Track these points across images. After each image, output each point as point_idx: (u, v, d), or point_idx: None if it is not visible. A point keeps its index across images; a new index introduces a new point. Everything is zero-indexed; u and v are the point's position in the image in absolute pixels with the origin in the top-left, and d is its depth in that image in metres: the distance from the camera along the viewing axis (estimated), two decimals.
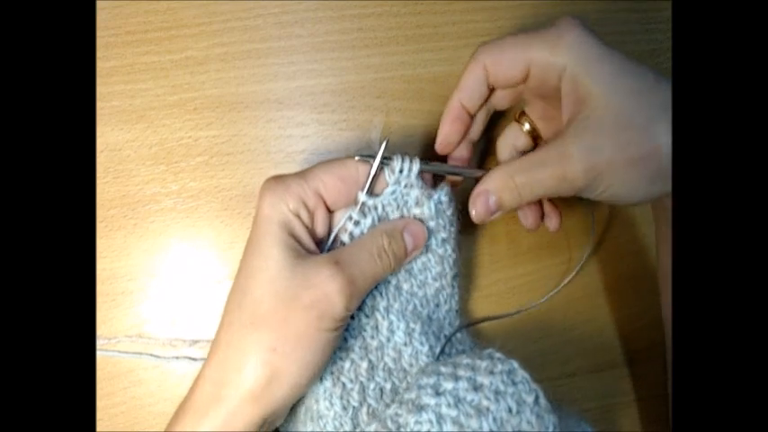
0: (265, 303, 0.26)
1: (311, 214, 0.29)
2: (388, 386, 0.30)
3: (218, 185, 0.36)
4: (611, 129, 0.27)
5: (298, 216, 0.28)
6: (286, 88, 0.37)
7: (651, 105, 0.27)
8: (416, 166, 0.30)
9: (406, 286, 0.32)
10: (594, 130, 0.27)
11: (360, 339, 0.31)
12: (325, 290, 0.26)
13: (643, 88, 0.27)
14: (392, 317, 0.31)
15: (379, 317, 0.31)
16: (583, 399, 0.40)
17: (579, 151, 0.27)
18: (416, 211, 0.31)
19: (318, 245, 0.30)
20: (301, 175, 0.29)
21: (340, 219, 0.30)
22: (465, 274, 0.38)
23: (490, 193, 0.30)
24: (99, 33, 0.36)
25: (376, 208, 0.30)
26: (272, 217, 0.27)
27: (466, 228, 0.34)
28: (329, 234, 0.30)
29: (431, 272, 0.32)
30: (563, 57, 0.28)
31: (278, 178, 0.28)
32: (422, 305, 0.32)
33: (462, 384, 0.26)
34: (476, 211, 0.30)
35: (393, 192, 0.30)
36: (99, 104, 0.36)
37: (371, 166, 0.29)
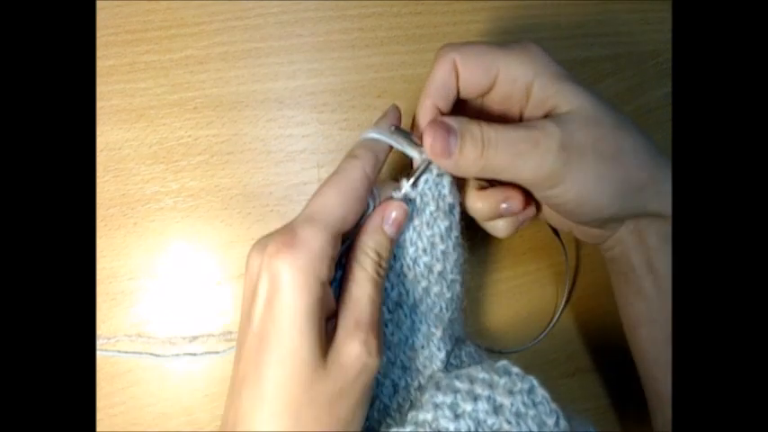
0: (306, 412, 0.23)
1: (334, 261, 0.25)
2: (402, 383, 0.30)
3: (219, 185, 0.36)
4: (584, 123, 0.27)
5: (327, 282, 0.24)
6: (286, 87, 0.37)
7: (616, 112, 0.28)
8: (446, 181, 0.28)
9: (435, 289, 0.30)
10: (569, 121, 0.27)
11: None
12: (363, 362, 0.24)
13: (606, 104, 0.28)
14: (415, 317, 0.30)
15: (402, 314, 0.30)
16: (582, 398, 0.40)
17: (556, 127, 0.26)
18: (450, 200, 0.29)
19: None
20: (317, 222, 0.24)
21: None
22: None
23: (454, 131, 0.26)
24: (99, 32, 0.36)
25: (414, 199, 0.28)
26: (300, 310, 0.23)
27: (465, 228, 0.34)
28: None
29: (458, 268, 0.31)
30: (532, 67, 0.28)
31: (291, 243, 0.23)
32: (447, 308, 0.31)
33: (482, 406, 0.25)
34: (432, 140, 0.26)
35: (427, 180, 0.28)
36: (99, 103, 0.36)
37: (421, 160, 0.28)
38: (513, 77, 0.28)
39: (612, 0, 0.41)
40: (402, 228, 0.28)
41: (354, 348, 0.24)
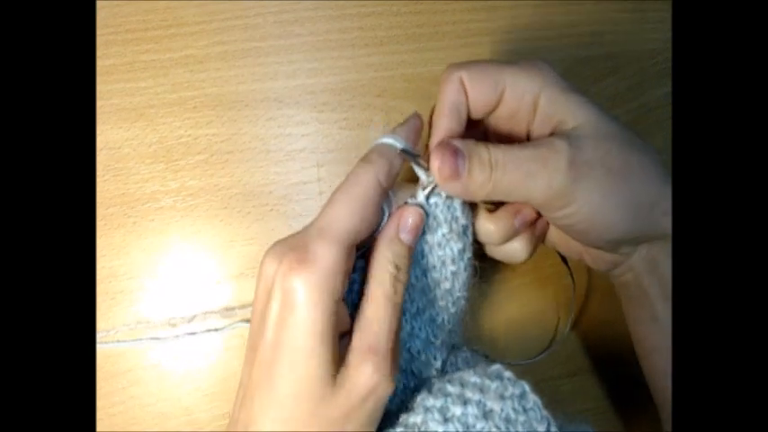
0: (314, 427, 0.24)
1: (347, 276, 0.25)
2: (399, 386, 0.29)
3: (218, 184, 0.36)
4: (592, 137, 0.27)
5: (340, 298, 0.24)
6: (286, 87, 0.37)
7: (623, 127, 0.28)
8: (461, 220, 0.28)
9: (441, 303, 0.30)
10: (577, 137, 0.27)
11: None
12: (373, 386, 0.24)
13: (613, 119, 0.28)
14: (415, 323, 0.30)
15: (403, 320, 0.29)
16: (583, 399, 0.40)
17: (564, 144, 0.26)
18: (464, 221, 0.29)
19: None
20: (329, 234, 0.24)
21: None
22: None
23: (462, 153, 0.26)
24: (99, 31, 0.36)
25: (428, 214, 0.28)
26: (314, 330, 0.23)
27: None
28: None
29: (466, 286, 0.30)
30: (539, 81, 0.28)
31: (304, 258, 0.23)
32: (449, 321, 0.30)
33: (471, 410, 0.25)
34: (440, 163, 0.26)
35: (437, 204, 0.28)
36: (98, 103, 0.36)
37: (428, 182, 0.27)
38: (521, 92, 0.28)
39: (612, 0, 0.41)
40: (419, 234, 0.27)
41: (365, 373, 0.24)
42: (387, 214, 0.27)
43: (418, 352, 0.30)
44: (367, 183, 0.25)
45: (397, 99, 0.38)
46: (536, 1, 0.40)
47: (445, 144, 0.26)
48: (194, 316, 0.36)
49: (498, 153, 0.26)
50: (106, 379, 0.35)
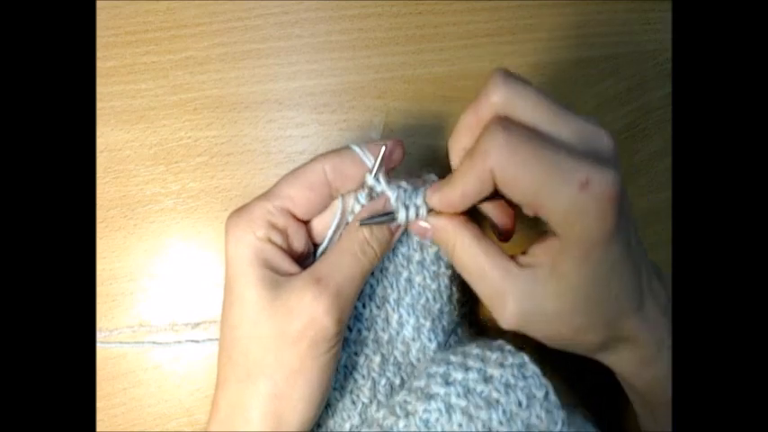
0: (254, 351, 0.26)
1: (283, 233, 0.27)
2: (397, 381, 0.30)
3: (218, 186, 0.36)
4: (566, 301, 0.25)
5: (269, 240, 0.26)
6: (286, 88, 0.37)
7: (608, 318, 0.26)
8: (422, 209, 0.28)
9: (418, 279, 0.30)
10: (556, 282, 0.25)
11: (372, 332, 0.30)
12: (311, 315, 0.25)
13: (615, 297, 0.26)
14: (402, 310, 0.30)
15: (390, 309, 0.30)
16: (578, 400, 0.40)
17: (514, 304, 0.25)
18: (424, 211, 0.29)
19: (304, 257, 0.29)
20: (264, 196, 0.27)
21: (319, 225, 0.29)
22: None
23: (431, 227, 0.28)
24: (99, 33, 0.36)
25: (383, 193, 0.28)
26: (240, 255, 0.26)
27: None
28: (313, 244, 0.29)
29: (443, 260, 0.31)
30: (580, 225, 0.24)
31: (239, 209, 0.27)
32: (434, 299, 0.31)
33: (472, 375, 0.26)
34: (416, 228, 0.28)
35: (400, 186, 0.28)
36: (99, 105, 0.36)
37: (378, 151, 0.27)
38: (551, 212, 0.24)
39: (612, 0, 0.41)
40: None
41: (304, 299, 0.25)
42: (340, 208, 0.28)
43: (413, 339, 0.30)
44: (309, 166, 0.28)
45: (397, 101, 0.38)
46: (537, 2, 0.40)
47: (418, 226, 0.28)
48: (198, 324, 0.36)
49: (463, 257, 0.26)
50: (107, 380, 0.35)
